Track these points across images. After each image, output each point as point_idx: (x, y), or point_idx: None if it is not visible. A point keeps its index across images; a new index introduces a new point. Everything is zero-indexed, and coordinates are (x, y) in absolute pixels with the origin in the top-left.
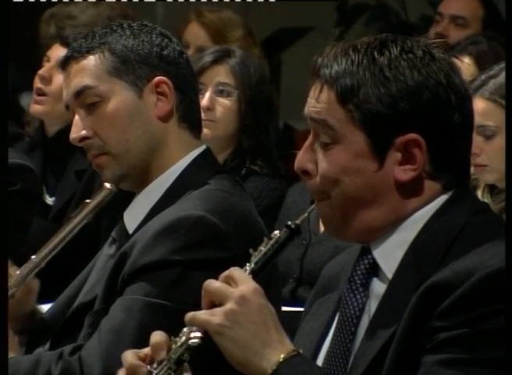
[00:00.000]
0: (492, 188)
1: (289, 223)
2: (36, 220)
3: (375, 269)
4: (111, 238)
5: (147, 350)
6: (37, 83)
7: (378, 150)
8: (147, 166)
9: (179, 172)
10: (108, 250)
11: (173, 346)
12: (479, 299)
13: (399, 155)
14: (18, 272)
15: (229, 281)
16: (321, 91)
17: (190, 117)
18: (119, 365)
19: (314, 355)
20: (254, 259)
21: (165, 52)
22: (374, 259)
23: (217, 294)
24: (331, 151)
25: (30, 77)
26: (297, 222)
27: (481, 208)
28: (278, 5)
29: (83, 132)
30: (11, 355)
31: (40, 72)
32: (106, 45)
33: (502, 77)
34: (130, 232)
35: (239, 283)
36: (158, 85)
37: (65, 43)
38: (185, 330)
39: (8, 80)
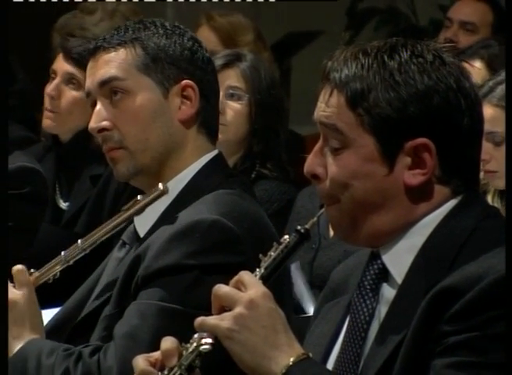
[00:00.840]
0: (502, 193)
1: (299, 227)
2: (47, 226)
3: (384, 275)
4: (121, 241)
5: (157, 354)
6: (47, 103)
7: (388, 154)
8: (161, 166)
9: (190, 176)
10: (117, 253)
11: (184, 352)
12: (488, 303)
13: (408, 160)
14: (62, 254)
15: (239, 285)
16: (330, 95)
17: (209, 124)
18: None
19: (324, 359)
20: (263, 264)
21: (194, 57)
22: (383, 264)
23: (226, 299)
24: (340, 156)
25: (39, 79)
26: (307, 226)
27: (491, 212)
28: (288, 9)
29: (104, 123)
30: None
31: (48, 91)
32: (139, 41)
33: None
34: (142, 235)
35: (248, 288)
36: (184, 88)
37: (68, 55)
38: (195, 336)
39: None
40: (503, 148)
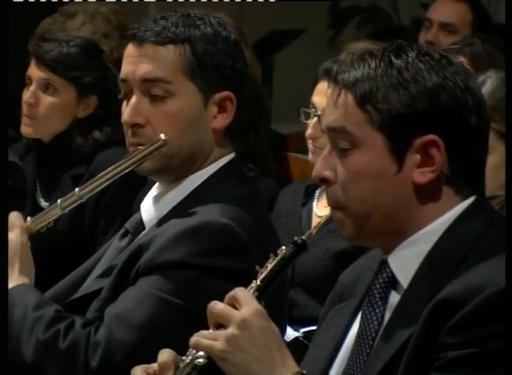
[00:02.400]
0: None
1: (296, 238)
2: None
3: (393, 282)
4: (124, 230)
5: (156, 366)
6: (25, 111)
7: (397, 152)
8: (185, 165)
9: (206, 176)
10: (119, 242)
11: (180, 365)
12: (488, 317)
13: (417, 157)
14: (59, 201)
15: (234, 302)
16: (339, 95)
17: (234, 129)
18: (121, 351)
19: (329, 363)
20: (260, 276)
21: (236, 65)
22: (392, 273)
23: (220, 317)
24: (350, 157)
25: (23, 78)
26: (303, 237)
27: (497, 220)
28: (270, 6)
29: (139, 118)
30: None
31: (26, 98)
32: (189, 41)
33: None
34: (147, 227)
35: (242, 305)
36: (223, 100)
37: (41, 61)
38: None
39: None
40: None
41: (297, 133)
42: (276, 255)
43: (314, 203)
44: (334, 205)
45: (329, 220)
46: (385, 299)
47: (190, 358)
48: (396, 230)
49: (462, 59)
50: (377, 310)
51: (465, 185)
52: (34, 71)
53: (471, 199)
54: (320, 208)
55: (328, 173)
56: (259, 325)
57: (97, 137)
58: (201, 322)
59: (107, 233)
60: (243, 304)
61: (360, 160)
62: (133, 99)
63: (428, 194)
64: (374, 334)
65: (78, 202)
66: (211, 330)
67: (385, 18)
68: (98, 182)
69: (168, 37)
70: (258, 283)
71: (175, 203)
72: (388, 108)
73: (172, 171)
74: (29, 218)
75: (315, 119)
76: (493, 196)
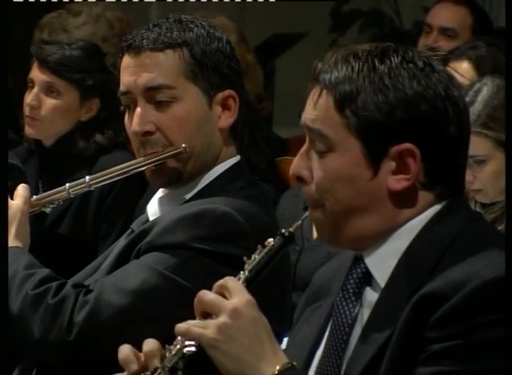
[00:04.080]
0: (483, 204)
1: (283, 230)
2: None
3: (367, 278)
4: (130, 230)
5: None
6: (27, 112)
7: (373, 158)
8: (197, 170)
9: (213, 177)
10: (124, 241)
11: (167, 354)
12: (472, 310)
13: (393, 164)
14: (67, 185)
15: (224, 291)
16: (319, 95)
17: (237, 129)
18: (108, 311)
19: (307, 363)
20: (247, 267)
21: (233, 62)
22: (367, 268)
23: (210, 306)
24: (326, 159)
25: (24, 81)
26: (291, 229)
27: (474, 217)
28: (272, 10)
29: (149, 126)
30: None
31: (28, 101)
32: (186, 45)
33: (478, 103)
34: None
35: (232, 295)
36: (226, 98)
37: (43, 64)
38: (179, 338)
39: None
40: (485, 169)
41: (299, 137)
42: (264, 246)
43: None
44: (312, 204)
45: None
46: (358, 295)
47: (177, 347)
48: (372, 232)
49: (465, 64)
50: (350, 305)
51: (443, 190)
52: (37, 74)
53: (449, 200)
54: None
55: (304, 173)
56: (250, 315)
57: (99, 141)
58: (193, 299)
59: (109, 236)
60: (234, 293)
61: (335, 163)
62: (139, 109)
63: (403, 199)
64: (347, 329)
65: (85, 190)
66: (197, 320)
67: (387, 22)
68: (110, 175)
69: (166, 43)
70: (246, 273)
71: (178, 205)
72: (366, 114)
73: (185, 178)
74: (34, 196)
75: None
76: (493, 202)
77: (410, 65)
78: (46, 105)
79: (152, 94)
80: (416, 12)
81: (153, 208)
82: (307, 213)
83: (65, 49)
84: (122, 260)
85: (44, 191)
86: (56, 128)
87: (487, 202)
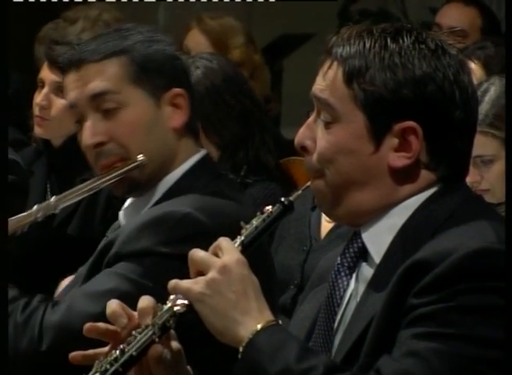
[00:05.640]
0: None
1: (283, 199)
2: (38, 229)
3: (364, 254)
4: (105, 237)
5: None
6: (36, 112)
7: (376, 133)
8: (156, 174)
9: (178, 176)
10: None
11: (159, 312)
12: (457, 277)
13: (395, 141)
14: (35, 208)
15: (217, 251)
16: (329, 67)
17: (194, 126)
18: (79, 319)
19: (306, 340)
20: (244, 232)
21: (177, 63)
22: (363, 243)
23: (201, 263)
24: (330, 130)
25: (32, 80)
26: (291, 198)
27: (473, 196)
28: (280, 11)
29: (100, 137)
30: None
31: (38, 101)
32: (126, 52)
33: (485, 103)
34: None
35: (224, 253)
36: (174, 97)
37: (53, 64)
38: (171, 297)
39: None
40: (492, 169)
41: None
42: (262, 213)
43: None
44: (313, 174)
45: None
46: (353, 269)
47: (169, 305)
48: (371, 207)
49: (475, 62)
50: (344, 278)
51: (446, 172)
52: (47, 74)
53: (449, 182)
54: None
55: (308, 143)
56: (239, 272)
57: None
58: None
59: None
60: (226, 252)
61: (339, 135)
62: (88, 122)
63: (403, 177)
64: (339, 301)
65: (51, 212)
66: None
67: (395, 22)
68: (74, 194)
69: (104, 53)
70: (242, 238)
71: (147, 207)
72: (373, 89)
73: (144, 184)
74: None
75: None
76: (501, 203)
77: (422, 46)
78: (56, 105)
79: (98, 103)
80: (423, 12)
81: (122, 214)
82: (308, 183)
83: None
84: (93, 270)
85: (53, 192)
86: (66, 128)
87: (495, 202)
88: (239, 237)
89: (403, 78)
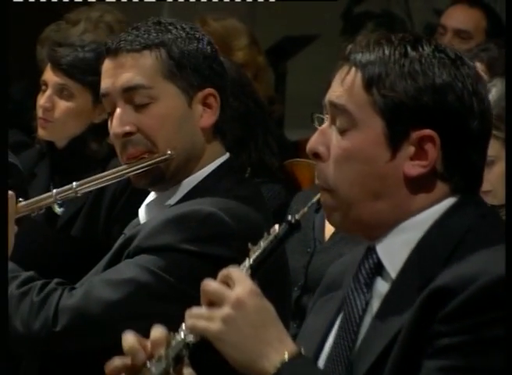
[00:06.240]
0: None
1: (289, 218)
2: (44, 229)
3: (379, 269)
4: (123, 235)
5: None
6: (40, 113)
7: (394, 140)
8: (180, 172)
9: (200, 178)
10: (115, 246)
11: (172, 342)
12: (482, 305)
13: (412, 149)
14: (54, 191)
15: (228, 280)
16: (348, 73)
17: (223, 128)
18: (96, 305)
19: (317, 353)
20: (252, 255)
21: (214, 63)
22: (378, 259)
23: (214, 296)
24: (346, 136)
25: (33, 81)
26: (297, 217)
27: (488, 211)
28: (284, 12)
29: (128, 127)
30: None
31: (41, 103)
32: (163, 45)
33: None
34: None
35: (235, 284)
36: (207, 97)
37: (56, 66)
38: (184, 325)
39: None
40: (494, 170)
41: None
42: (269, 233)
43: None
44: (323, 185)
45: None
46: (370, 285)
47: (182, 335)
48: (385, 219)
49: (478, 64)
50: (361, 296)
51: (459, 183)
52: (50, 76)
53: (464, 193)
54: None
55: (321, 149)
56: (254, 304)
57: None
58: (182, 296)
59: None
60: (237, 283)
61: (355, 141)
62: (118, 110)
63: (418, 186)
64: (358, 320)
65: (72, 196)
66: (203, 308)
67: (399, 24)
68: (97, 181)
69: (143, 44)
70: (251, 261)
71: (170, 204)
72: (393, 95)
73: (168, 179)
74: (21, 200)
75: None
76: (503, 205)
77: (442, 54)
78: (59, 107)
79: (130, 96)
80: (427, 14)
81: (143, 212)
82: (313, 201)
83: (78, 51)
84: (112, 264)
85: None
86: (69, 130)
87: (496, 204)
88: (247, 259)
89: (424, 85)
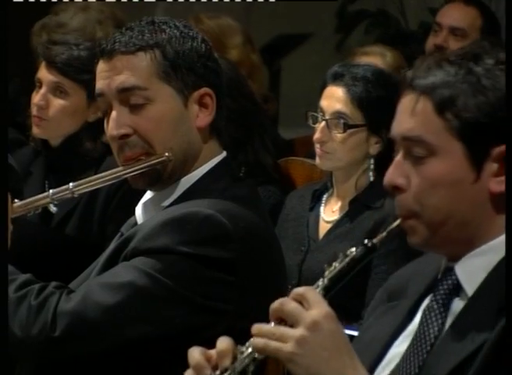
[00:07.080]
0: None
1: (366, 241)
2: (38, 227)
3: (457, 290)
4: (119, 233)
5: (213, 351)
6: (34, 111)
7: (476, 160)
8: (177, 172)
9: (197, 178)
10: (112, 246)
11: (238, 355)
12: None
13: (495, 166)
14: (50, 191)
15: (302, 300)
16: (416, 101)
17: (220, 126)
18: (94, 310)
19: (376, 362)
20: (327, 275)
21: (209, 62)
22: (458, 280)
23: (290, 316)
24: (425, 165)
25: (30, 81)
26: (374, 241)
27: None
28: (278, 11)
29: (125, 129)
30: None
31: (36, 101)
32: (159, 47)
33: None
34: None
35: (311, 306)
36: (202, 96)
37: (51, 64)
38: (251, 340)
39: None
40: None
41: (304, 138)
42: (346, 256)
43: (322, 208)
44: (405, 213)
45: (337, 225)
46: (447, 306)
47: (249, 350)
48: (468, 239)
49: None
50: (438, 316)
51: None
52: (44, 74)
53: None
54: (327, 213)
55: (401, 180)
56: (329, 328)
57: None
58: (181, 299)
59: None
60: (314, 305)
61: (437, 168)
62: (114, 113)
63: (502, 203)
64: (433, 340)
65: (68, 196)
66: (272, 324)
67: (393, 23)
68: (93, 182)
69: (137, 45)
70: (326, 282)
71: (166, 205)
72: (468, 116)
73: (165, 179)
74: (16, 200)
75: (323, 123)
76: None
77: (503, 66)
78: (54, 106)
79: (126, 97)
80: (422, 12)
81: (139, 211)
82: (394, 225)
83: (72, 50)
84: (109, 266)
85: None
86: (64, 128)
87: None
88: (321, 279)
89: (496, 100)
